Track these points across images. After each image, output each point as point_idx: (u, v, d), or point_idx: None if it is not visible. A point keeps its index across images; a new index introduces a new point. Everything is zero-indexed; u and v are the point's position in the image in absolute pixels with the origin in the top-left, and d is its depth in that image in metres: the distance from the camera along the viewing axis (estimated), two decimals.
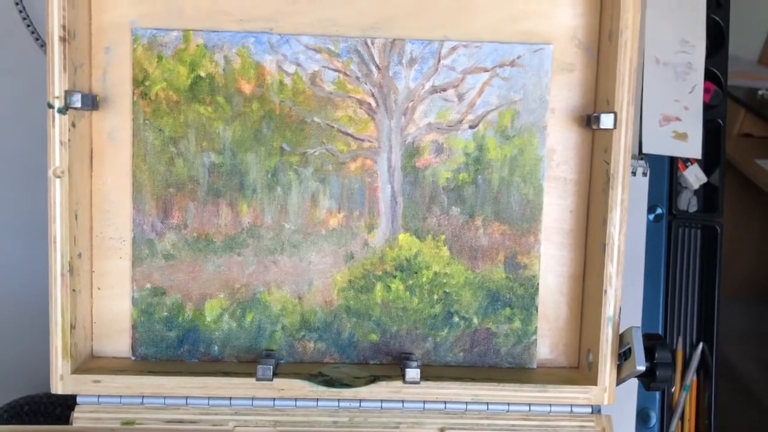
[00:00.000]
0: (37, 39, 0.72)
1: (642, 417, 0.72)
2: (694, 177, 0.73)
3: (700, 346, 0.72)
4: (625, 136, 0.52)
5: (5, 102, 0.75)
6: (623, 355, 0.54)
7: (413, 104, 0.55)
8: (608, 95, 0.53)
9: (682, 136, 0.72)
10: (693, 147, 0.72)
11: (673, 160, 0.72)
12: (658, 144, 0.72)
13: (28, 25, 0.71)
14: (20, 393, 0.66)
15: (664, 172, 0.73)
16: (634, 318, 0.71)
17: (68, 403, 0.64)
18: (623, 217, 0.52)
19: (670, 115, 0.73)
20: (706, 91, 0.74)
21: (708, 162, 0.73)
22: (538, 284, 0.57)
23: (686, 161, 0.73)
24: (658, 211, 0.72)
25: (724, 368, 0.76)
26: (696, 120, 0.72)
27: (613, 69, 0.52)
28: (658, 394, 0.72)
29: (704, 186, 0.73)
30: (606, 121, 0.52)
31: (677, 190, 0.73)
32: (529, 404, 0.54)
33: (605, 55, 0.54)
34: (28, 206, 0.74)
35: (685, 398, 0.72)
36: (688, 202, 0.74)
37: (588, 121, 0.55)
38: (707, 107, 0.73)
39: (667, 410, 0.72)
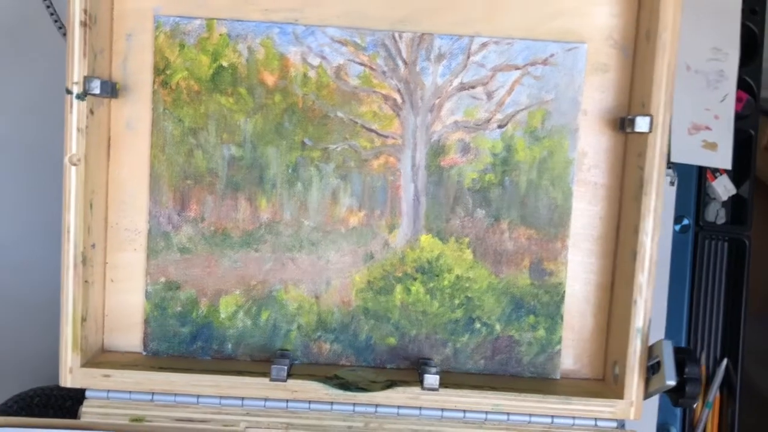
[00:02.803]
0: (56, 22, 0.72)
1: None
2: (723, 188, 0.71)
3: (724, 362, 0.71)
4: (660, 141, 0.50)
5: (23, 90, 0.74)
6: (651, 369, 0.51)
7: (440, 101, 0.54)
8: (644, 98, 0.51)
9: (712, 146, 0.71)
10: (723, 157, 0.71)
11: (701, 170, 0.71)
12: (687, 153, 0.71)
13: (50, 9, 0.70)
14: (30, 385, 0.65)
15: (692, 182, 0.71)
16: (657, 331, 0.69)
17: (79, 396, 0.63)
18: (656, 225, 0.50)
19: (700, 123, 0.71)
20: (738, 100, 0.72)
21: (737, 173, 0.72)
22: (564, 292, 0.55)
23: (715, 172, 0.71)
24: (685, 222, 0.71)
25: (747, 386, 0.74)
26: (727, 130, 0.71)
27: (650, 70, 0.50)
28: (679, 411, 0.70)
29: (733, 198, 0.72)
30: (641, 124, 0.50)
31: (705, 201, 0.71)
32: (552, 416, 0.52)
33: (642, 55, 0.52)
34: (40, 197, 0.73)
35: (708, 415, 0.70)
36: (716, 214, 0.72)
37: (621, 124, 0.53)
38: (738, 117, 0.71)
39: (689, 427, 0.70)
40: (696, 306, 0.71)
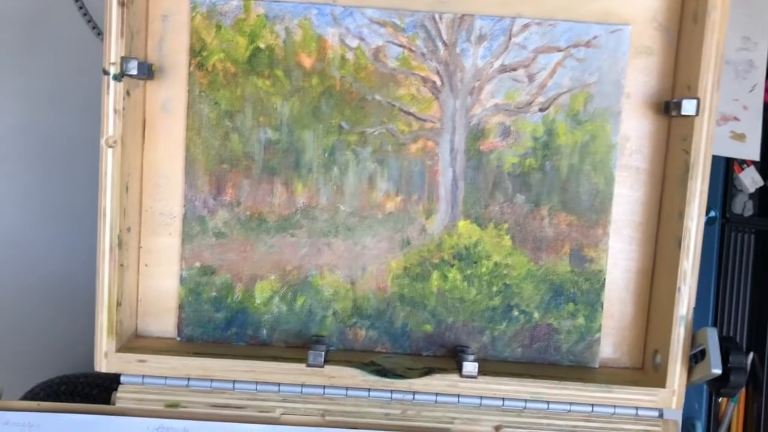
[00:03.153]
0: (80, 8, 0.71)
1: (687, 427, 0.69)
2: (751, 180, 0.71)
3: (751, 356, 0.70)
4: (707, 124, 0.49)
5: (39, 79, 0.73)
6: (694, 357, 0.51)
7: (480, 84, 0.53)
8: (690, 80, 0.50)
9: (740, 137, 0.70)
10: (751, 148, 0.70)
11: (729, 162, 0.70)
12: (715, 144, 0.69)
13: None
14: (56, 372, 0.64)
15: (720, 174, 0.70)
16: None
17: (105, 384, 0.62)
18: (702, 211, 0.50)
19: (729, 114, 0.70)
20: (767, 90, 0.71)
21: (765, 165, 0.71)
22: (604, 279, 0.54)
23: (743, 163, 0.70)
24: (712, 213, 0.70)
25: None
26: (755, 120, 0.70)
27: (698, 52, 0.49)
28: (705, 405, 0.69)
29: (760, 189, 0.71)
30: (688, 107, 0.49)
31: (732, 192, 0.71)
32: (593, 405, 0.51)
33: (688, 38, 0.51)
34: (66, 186, 0.73)
35: (733, 409, 0.70)
36: (743, 206, 0.71)
37: (666, 107, 0.52)
38: (767, 107, 0.70)
39: (714, 421, 0.69)
40: (722, 299, 0.70)
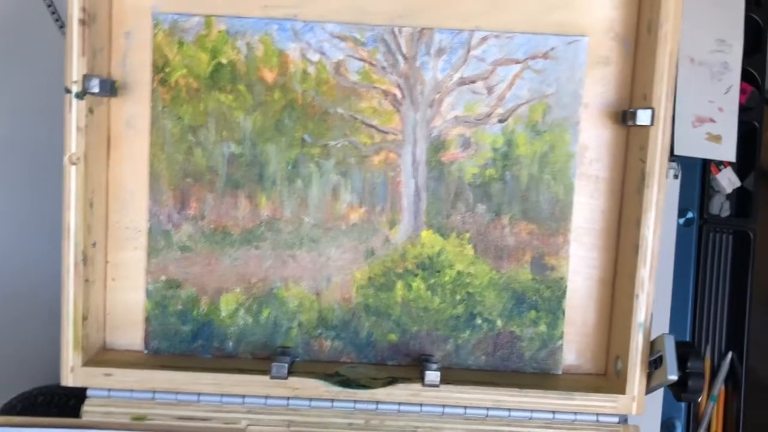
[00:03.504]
0: (57, 21, 0.71)
1: (667, 427, 0.69)
2: (728, 180, 0.71)
3: (729, 355, 0.70)
4: (662, 134, 0.49)
5: (24, 89, 0.74)
6: (654, 363, 0.51)
7: (440, 96, 0.53)
8: (646, 90, 0.50)
9: (716, 138, 0.70)
10: (727, 149, 0.70)
11: (705, 163, 0.71)
12: (691, 146, 0.70)
13: (51, 8, 0.70)
14: (34, 383, 0.65)
15: (696, 175, 0.71)
16: (661, 325, 0.69)
17: (82, 395, 0.63)
18: (658, 219, 0.50)
19: (704, 116, 0.71)
20: (742, 92, 0.71)
21: (742, 165, 0.71)
22: (566, 287, 0.54)
23: (719, 164, 0.71)
24: (689, 215, 0.70)
25: (753, 381, 0.73)
26: (731, 122, 0.70)
27: (652, 63, 0.49)
28: (684, 405, 0.69)
29: (737, 190, 0.71)
30: (643, 117, 0.49)
31: (709, 193, 0.71)
32: (554, 412, 0.52)
33: (643, 48, 0.51)
34: (42, 196, 0.73)
35: (713, 409, 0.70)
36: (720, 207, 0.72)
37: (623, 117, 0.52)
38: (743, 109, 0.71)
39: (694, 421, 0.70)
40: (700, 299, 0.70)
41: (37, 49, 0.74)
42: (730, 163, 0.71)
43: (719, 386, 0.70)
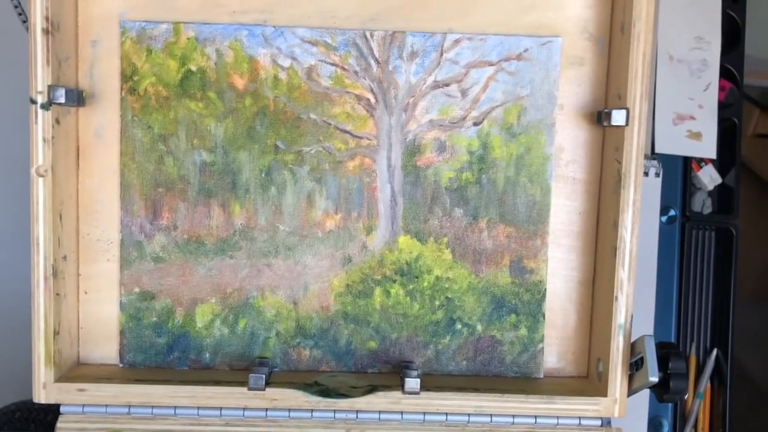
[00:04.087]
0: (24, 22, 0.70)
1: (654, 425, 0.69)
2: (709, 178, 0.71)
3: (714, 351, 0.70)
4: (637, 134, 0.49)
5: None
6: (635, 365, 0.51)
7: (414, 100, 0.53)
8: (620, 90, 0.50)
9: (697, 136, 0.70)
10: (707, 147, 0.70)
11: (686, 161, 0.71)
12: (672, 143, 0.70)
13: (21, 14, 0.68)
14: (12, 399, 0.64)
15: (678, 173, 0.71)
16: (646, 323, 0.69)
17: (59, 410, 0.62)
18: (635, 219, 0.50)
19: (684, 113, 0.71)
20: (721, 89, 0.71)
21: (723, 162, 0.71)
22: (545, 289, 0.54)
23: (700, 161, 0.71)
24: (672, 212, 0.70)
25: (738, 374, 0.74)
26: (711, 119, 0.70)
27: (626, 63, 0.49)
28: (671, 403, 0.69)
29: (719, 187, 0.72)
30: (618, 117, 0.49)
31: (691, 191, 0.71)
32: (536, 416, 0.51)
33: (617, 48, 0.51)
34: (17, 207, 0.72)
35: (699, 406, 0.70)
36: (702, 204, 0.72)
37: (599, 117, 0.52)
38: (722, 106, 0.71)
39: (680, 418, 0.70)
40: (685, 296, 0.70)
41: (5, 56, 0.73)
42: (711, 160, 0.71)
43: (705, 383, 0.70)
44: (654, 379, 0.49)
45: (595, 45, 0.53)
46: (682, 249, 0.71)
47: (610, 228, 0.51)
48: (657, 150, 0.69)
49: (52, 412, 0.63)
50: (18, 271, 0.72)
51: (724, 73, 0.71)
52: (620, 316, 0.50)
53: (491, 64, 0.52)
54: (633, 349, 0.51)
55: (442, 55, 0.52)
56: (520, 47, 0.52)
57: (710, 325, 0.71)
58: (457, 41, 0.52)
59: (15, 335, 0.72)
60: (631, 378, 0.51)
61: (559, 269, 0.54)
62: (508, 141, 0.53)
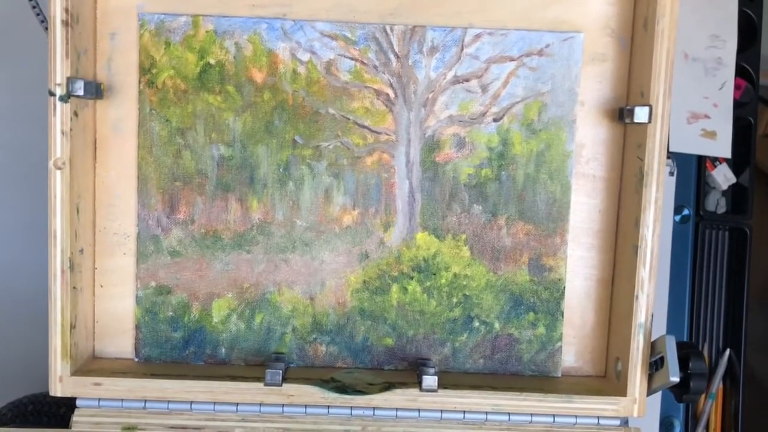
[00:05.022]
0: (42, 22, 0.70)
1: (665, 426, 0.69)
2: (723, 177, 0.70)
3: (727, 352, 0.70)
4: (660, 131, 0.49)
5: (8, 91, 0.73)
6: (654, 365, 0.50)
7: (434, 95, 0.52)
8: (643, 87, 0.49)
9: (711, 135, 0.70)
10: (722, 146, 0.70)
11: (701, 160, 0.70)
12: (686, 142, 0.70)
13: (35, 7, 0.68)
14: (25, 392, 0.64)
15: (692, 172, 0.70)
16: (658, 323, 0.68)
17: (72, 404, 0.62)
18: (657, 218, 0.49)
19: (699, 112, 0.70)
20: (736, 87, 0.71)
21: (737, 162, 0.71)
22: (564, 288, 0.54)
23: (715, 161, 0.70)
24: (685, 212, 0.70)
25: (750, 376, 0.73)
26: (726, 118, 0.70)
27: (649, 59, 0.48)
28: (682, 404, 0.69)
29: (733, 187, 0.71)
30: (640, 114, 0.48)
31: (705, 190, 0.70)
32: (554, 415, 0.51)
33: (640, 44, 0.50)
34: (31, 201, 0.72)
35: (711, 407, 0.69)
36: (716, 203, 0.71)
37: (620, 114, 0.51)
38: (737, 104, 0.70)
39: (692, 419, 0.69)
40: (697, 297, 0.70)
41: (21, 50, 0.73)
42: (725, 160, 0.70)
43: (717, 384, 0.70)
44: (675, 379, 0.48)
45: (617, 42, 0.52)
46: (696, 249, 0.70)
47: (631, 226, 0.51)
48: (671, 149, 0.69)
49: (65, 405, 0.63)
50: (32, 265, 0.72)
51: (740, 72, 0.71)
52: (641, 316, 0.50)
53: (512, 60, 0.52)
54: (653, 348, 0.50)
55: (462, 50, 0.52)
56: (542, 43, 0.52)
57: (723, 326, 0.71)
58: (477, 36, 0.52)
59: (28, 329, 0.71)
60: (650, 378, 0.50)
61: (579, 267, 0.54)
62: (528, 137, 0.53)
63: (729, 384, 0.70)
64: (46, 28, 0.72)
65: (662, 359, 0.50)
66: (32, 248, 0.72)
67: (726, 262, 0.71)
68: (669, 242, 0.69)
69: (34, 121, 0.71)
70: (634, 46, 0.52)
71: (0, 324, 0.74)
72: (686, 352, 0.50)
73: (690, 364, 0.49)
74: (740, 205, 0.71)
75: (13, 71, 0.73)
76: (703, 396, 0.69)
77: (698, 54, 0.70)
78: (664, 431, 0.69)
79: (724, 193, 0.71)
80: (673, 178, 0.69)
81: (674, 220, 0.70)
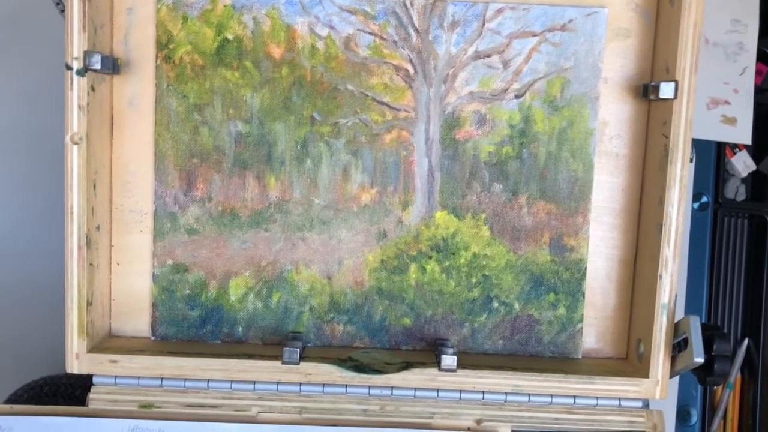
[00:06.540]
0: (57, 3, 0.70)
1: (682, 415, 0.68)
2: (743, 164, 0.70)
3: (745, 342, 0.69)
4: (687, 107, 0.48)
5: (28, 74, 0.73)
6: (678, 346, 0.50)
7: (454, 71, 0.52)
8: (668, 63, 0.48)
9: (731, 121, 0.69)
10: (742, 132, 0.69)
11: (720, 146, 0.69)
12: (706, 128, 0.69)
13: (58, 4, 0.68)
14: (40, 373, 0.64)
15: (711, 159, 0.69)
16: (676, 311, 0.67)
17: (87, 384, 0.62)
18: (682, 196, 0.48)
19: (719, 98, 0.69)
20: (757, 73, 0.70)
21: (757, 148, 0.70)
22: (585, 268, 0.53)
23: (734, 147, 0.69)
24: (704, 199, 0.69)
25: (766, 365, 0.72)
26: (746, 104, 0.69)
27: (675, 34, 0.47)
28: (700, 393, 0.68)
29: (753, 174, 0.70)
30: (666, 90, 0.48)
31: (724, 177, 0.70)
32: (575, 396, 0.50)
33: (665, 19, 0.50)
34: (46, 182, 0.72)
35: (729, 396, 0.69)
36: (735, 191, 0.70)
37: (644, 91, 0.51)
38: (758, 90, 0.70)
39: (709, 409, 0.68)
40: (716, 285, 0.69)
41: (37, 35, 0.72)
42: (745, 146, 0.69)
43: (736, 374, 0.69)
44: (700, 360, 0.47)
45: (641, 16, 0.51)
46: (714, 236, 0.69)
47: (654, 205, 0.50)
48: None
49: (80, 386, 0.63)
50: (48, 250, 0.71)
51: (761, 57, 0.70)
52: (664, 296, 0.49)
53: (534, 35, 0.51)
54: (676, 329, 0.50)
55: (483, 24, 0.51)
56: (565, 18, 0.51)
57: (741, 315, 0.70)
58: (499, 11, 0.51)
59: (43, 311, 0.71)
60: (674, 359, 0.50)
61: (600, 247, 0.53)
62: (551, 114, 0.52)
63: (747, 374, 0.69)
64: (62, 11, 0.72)
65: (686, 341, 0.49)
66: (47, 229, 0.72)
67: (745, 251, 0.70)
68: (687, 230, 0.68)
69: (44, 105, 0.72)
70: (659, 21, 0.51)
71: (16, 308, 0.74)
72: (710, 334, 0.49)
73: (714, 346, 0.49)
74: (760, 193, 0.70)
75: (25, 56, 0.73)
76: (721, 386, 0.68)
77: (719, 38, 0.69)
78: (680, 420, 0.68)
79: (744, 180, 0.70)
80: (692, 165, 0.68)
81: (693, 207, 0.69)
